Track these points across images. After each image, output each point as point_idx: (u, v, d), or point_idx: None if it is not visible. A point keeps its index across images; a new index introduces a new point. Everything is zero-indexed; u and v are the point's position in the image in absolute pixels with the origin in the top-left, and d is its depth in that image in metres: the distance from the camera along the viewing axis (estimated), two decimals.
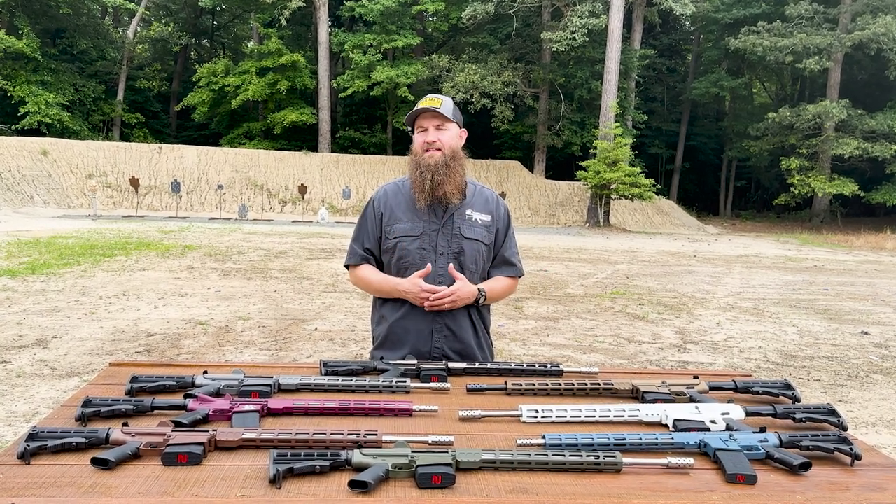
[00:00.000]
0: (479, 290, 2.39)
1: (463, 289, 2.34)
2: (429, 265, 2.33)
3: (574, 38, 27.13)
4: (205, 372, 1.97)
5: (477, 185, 2.52)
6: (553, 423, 1.73)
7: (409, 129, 2.46)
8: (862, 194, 31.17)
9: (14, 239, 14.51)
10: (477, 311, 2.47)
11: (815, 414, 1.81)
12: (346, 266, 2.57)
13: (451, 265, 2.34)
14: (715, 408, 1.76)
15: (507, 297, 2.64)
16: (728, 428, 1.68)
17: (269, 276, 10.97)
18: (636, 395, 1.97)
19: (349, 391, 1.94)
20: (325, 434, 1.52)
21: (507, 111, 30.49)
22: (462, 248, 2.39)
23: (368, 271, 2.49)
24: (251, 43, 37.58)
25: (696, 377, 2.08)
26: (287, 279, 10.65)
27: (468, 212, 2.42)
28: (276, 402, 1.76)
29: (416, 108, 2.41)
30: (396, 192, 2.48)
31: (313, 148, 33.00)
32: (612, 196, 27.31)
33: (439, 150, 2.35)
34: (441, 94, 29.66)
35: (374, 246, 2.48)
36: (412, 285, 2.33)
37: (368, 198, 2.58)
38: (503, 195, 27.70)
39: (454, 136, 2.40)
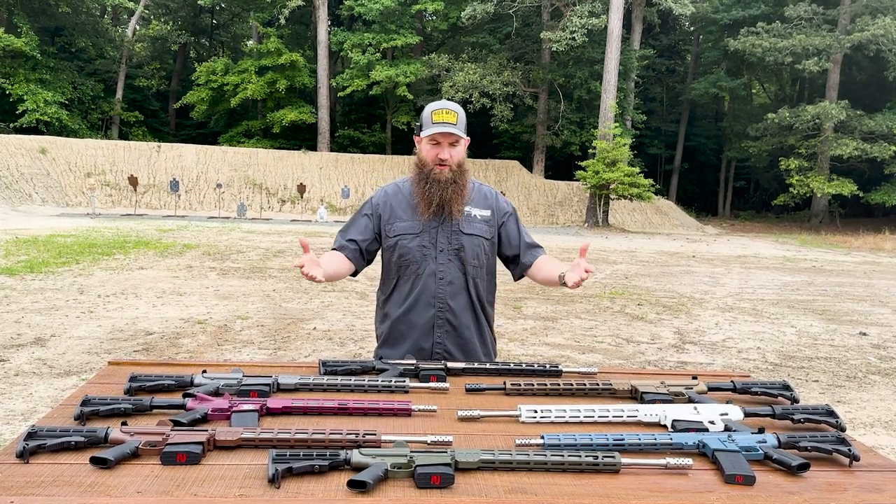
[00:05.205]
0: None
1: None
2: (306, 241, 2.22)
3: (573, 38, 27.13)
4: (204, 371, 1.97)
5: (475, 182, 2.54)
6: (552, 423, 1.73)
7: (417, 130, 2.43)
8: (861, 195, 31.20)
9: (12, 237, 14.49)
10: (480, 305, 2.47)
11: (813, 415, 1.81)
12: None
13: (586, 244, 2.27)
14: (713, 408, 1.76)
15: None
16: (727, 428, 1.68)
17: (267, 275, 10.97)
18: (635, 396, 1.98)
19: (348, 391, 1.94)
20: (323, 434, 1.52)
21: (506, 111, 30.46)
22: (462, 244, 2.41)
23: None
24: (250, 42, 37.55)
25: (694, 378, 2.08)
26: (286, 278, 10.64)
27: (467, 209, 2.44)
28: (275, 402, 1.76)
29: (430, 116, 2.35)
30: (397, 192, 2.50)
31: (312, 147, 32.98)
32: (611, 196, 27.30)
33: (448, 166, 2.36)
34: (441, 94, 29.35)
35: (359, 239, 2.46)
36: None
37: (367, 197, 2.57)
38: (502, 194, 27.61)
39: (463, 149, 2.41)
